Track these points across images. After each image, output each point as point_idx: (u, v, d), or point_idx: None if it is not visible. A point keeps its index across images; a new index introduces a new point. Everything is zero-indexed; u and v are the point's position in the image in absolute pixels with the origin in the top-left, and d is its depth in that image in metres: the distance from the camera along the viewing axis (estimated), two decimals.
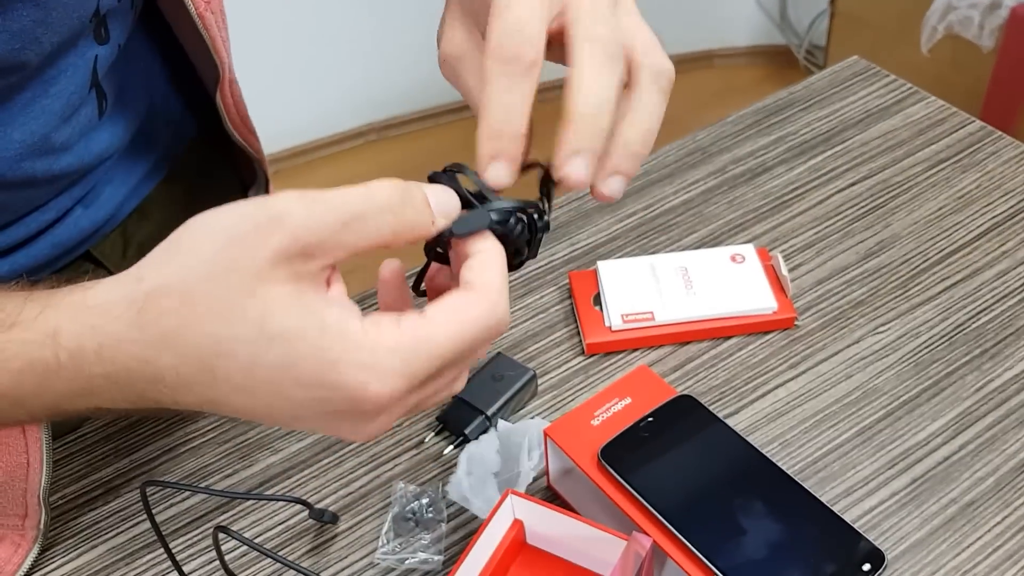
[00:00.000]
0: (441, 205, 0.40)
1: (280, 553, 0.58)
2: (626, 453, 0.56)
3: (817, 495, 0.55)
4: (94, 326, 0.36)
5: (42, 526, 0.58)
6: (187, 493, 0.61)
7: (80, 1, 0.52)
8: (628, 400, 0.60)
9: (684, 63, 2.30)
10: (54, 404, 0.39)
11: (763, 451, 0.60)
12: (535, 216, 0.44)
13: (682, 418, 0.58)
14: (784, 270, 0.71)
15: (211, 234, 0.36)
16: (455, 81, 0.46)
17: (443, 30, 0.47)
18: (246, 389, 0.36)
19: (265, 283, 0.35)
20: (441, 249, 0.44)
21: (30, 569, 0.58)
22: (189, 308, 0.35)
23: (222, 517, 0.61)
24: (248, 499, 0.61)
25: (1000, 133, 0.85)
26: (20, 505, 0.57)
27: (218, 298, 0.35)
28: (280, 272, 0.35)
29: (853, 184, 0.81)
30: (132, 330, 0.36)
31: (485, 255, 0.40)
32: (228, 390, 0.36)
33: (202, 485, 0.63)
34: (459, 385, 0.42)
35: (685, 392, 0.65)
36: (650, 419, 0.58)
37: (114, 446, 0.65)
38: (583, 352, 0.70)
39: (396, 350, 0.36)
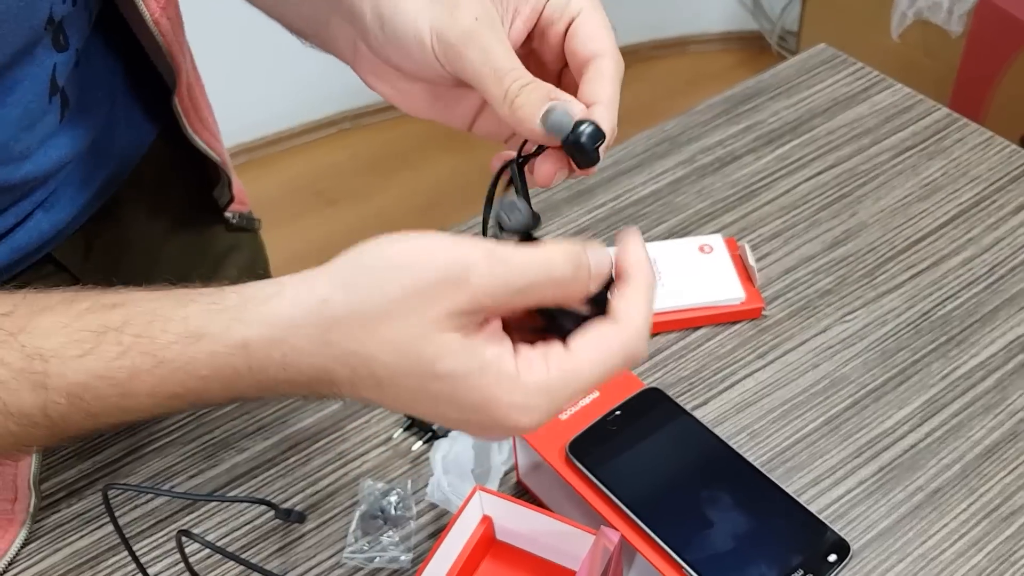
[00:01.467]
0: (599, 268, 0.41)
1: (247, 553, 0.58)
2: (594, 447, 0.56)
3: (784, 486, 0.55)
4: (283, 340, 0.39)
5: (31, 509, 0.59)
6: (151, 495, 0.61)
7: (30, 10, 0.51)
8: (596, 394, 0.60)
9: (658, 49, 2.30)
10: (230, 400, 0.43)
11: (731, 442, 0.60)
12: None
13: (649, 411, 0.58)
14: (751, 260, 0.71)
15: (399, 275, 0.38)
16: (459, 64, 0.45)
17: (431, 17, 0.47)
18: (409, 405, 0.40)
19: (440, 331, 0.38)
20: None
21: (17, 553, 0.59)
22: (371, 338, 0.38)
23: (188, 518, 0.60)
24: (211, 501, 0.60)
25: (966, 120, 0.85)
26: (10, 489, 0.57)
27: (397, 336, 0.38)
28: (454, 322, 0.38)
29: (820, 173, 0.81)
30: (318, 347, 0.39)
31: (637, 287, 0.41)
32: (392, 400, 0.40)
33: (166, 486, 0.62)
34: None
35: (653, 385, 0.65)
36: (617, 412, 0.58)
37: (76, 448, 0.64)
38: None
39: (546, 390, 0.39)
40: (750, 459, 0.61)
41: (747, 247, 0.72)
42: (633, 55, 2.25)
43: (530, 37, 0.47)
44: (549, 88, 0.43)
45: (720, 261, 0.72)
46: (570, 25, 0.46)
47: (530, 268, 0.38)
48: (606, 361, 0.39)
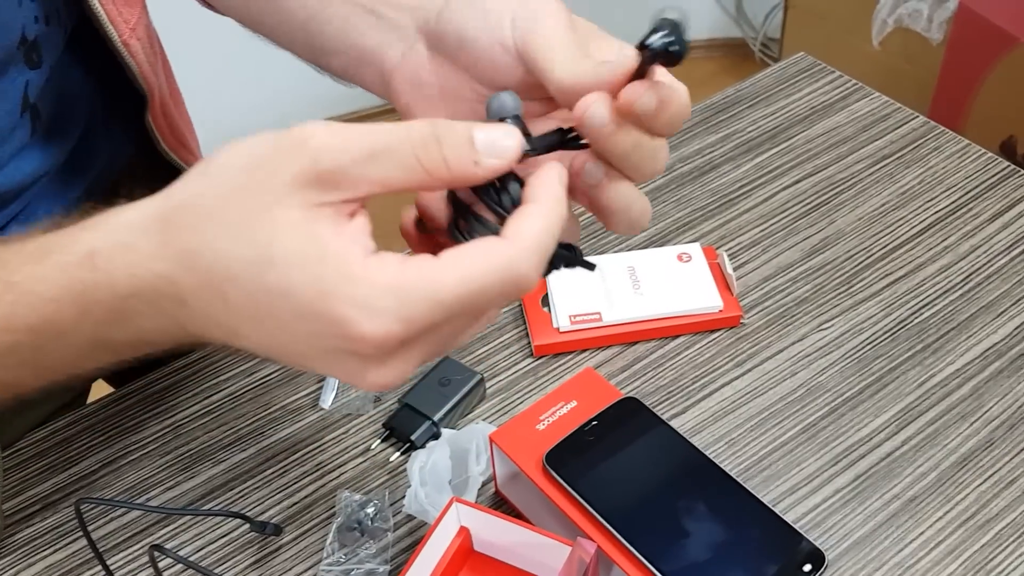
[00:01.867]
0: (492, 144, 0.36)
1: (222, 567, 0.58)
2: (571, 458, 0.56)
3: (761, 494, 0.55)
4: (126, 243, 0.36)
5: None
6: (125, 508, 0.60)
7: (2, 32, 0.51)
8: (574, 403, 0.60)
9: None
10: (92, 335, 0.38)
11: (709, 451, 0.60)
12: None
13: (627, 421, 0.58)
14: (729, 268, 0.71)
15: (237, 155, 0.35)
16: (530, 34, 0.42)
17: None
18: (253, 318, 0.35)
19: (279, 206, 0.34)
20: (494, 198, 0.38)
21: None
22: (206, 224, 0.35)
23: (162, 532, 0.60)
24: (185, 515, 0.60)
25: (943, 128, 0.85)
26: None
27: (233, 217, 0.34)
28: (297, 197, 0.34)
29: (798, 181, 0.81)
30: (158, 247, 0.36)
31: (537, 208, 0.36)
32: (240, 319, 0.36)
33: (142, 499, 0.62)
34: (464, 339, 0.39)
35: (632, 393, 0.65)
36: (595, 423, 0.58)
37: (50, 461, 0.64)
38: (532, 354, 0.69)
39: (393, 289, 0.33)
40: (727, 468, 0.61)
41: (725, 256, 0.72)
42: None
43: None
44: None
45: (698, 270, 0.72)
46: None
47: (379, 129, 0.34)
48: (478, 277, 0.34)
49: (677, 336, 0.70)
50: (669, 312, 0.70)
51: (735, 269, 0.74)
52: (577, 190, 0.42)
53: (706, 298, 0.70)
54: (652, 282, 0.71)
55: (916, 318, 0.70)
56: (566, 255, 0.40)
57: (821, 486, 0.61)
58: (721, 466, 0.56)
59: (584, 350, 0.69)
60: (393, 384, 0.36)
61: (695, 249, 0.74)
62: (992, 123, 1.56)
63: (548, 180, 0.37)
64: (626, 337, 0.70)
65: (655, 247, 0.76)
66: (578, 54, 0.41)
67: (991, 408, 0.64)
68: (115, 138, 0.68)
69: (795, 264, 0.75)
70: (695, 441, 0.63)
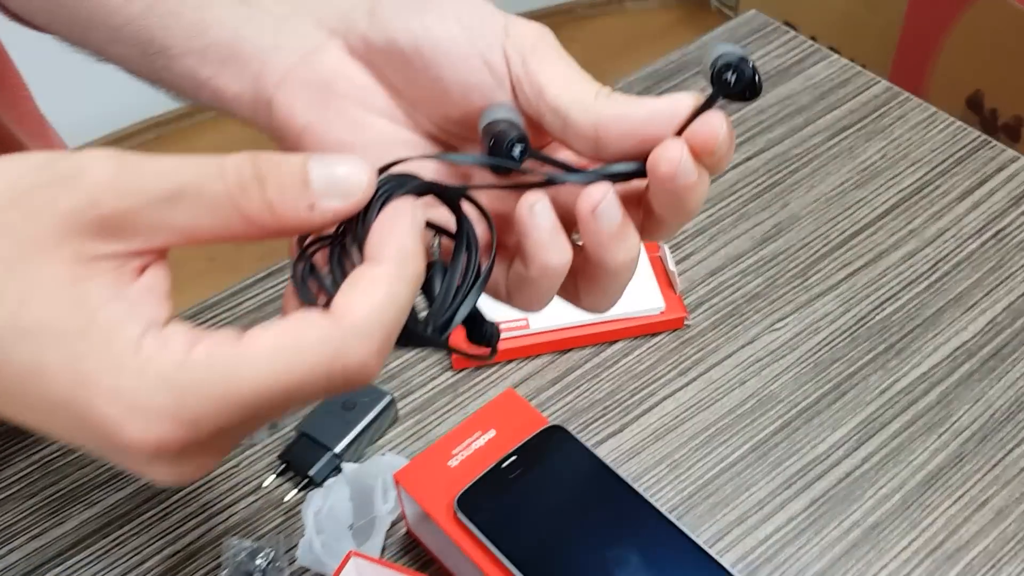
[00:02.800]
0: (333, 181, 0.28)
1: None
2: (485, 500, 0.49)
3: (707, 525, 0.49)
4: None
5: None
6: None
7: None
8: (492, 433, 0.52)
9: (593, 8, 2.21)
10: None
11: (649, 475, 0.54)
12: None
13: (550, 454, 0.51)
14: (672, 264, 0.64)
15: None
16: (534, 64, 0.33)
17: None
18: (6, 393, 0.27)
19: (41, 257, 0.26)
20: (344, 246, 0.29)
21: None
22: None
23: None
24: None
25: (908, 95, 0.78)
26: None
27: None
28: (65, 248, 0.26)
29: (749, 159, 0.74)
30: None
31: (374, 271, 0.28)
32: None
33: (4, 549, 0.54)
34: (283, 420, 0.31)
35: (564, 411, 0.58)
36: (513, 458, 0.50)
37: None
38: (451, 367, 0.62)
39: (171, 383, 0.25)
40: (669, 495, 0.55)
41: (667, 249, 0.64)
42: (567, 14, 2.16)
43: None
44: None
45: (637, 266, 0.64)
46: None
47: (183, 165, 0.27)
48: (287, 370, 0.26)
49: (614, 342, 0.63)
50: (604, 316, 0.62)
51: (679, 263, 0.66)
52: (542, 244, 0.32)
53: (646, 298, 0.63)
54: None
55: (878, 314, 0.63)
56: (429, 333, 0.30)
57: (773, 513, 0.54)
58: (655, 504, 0.49)
59: (510, 361, 0.62)
60: (192, 479, 0.28)
61: None
62: (959, 75, 1.49)
63: (393, 228, 0.28)
64: (557, 345, 0.62)
65: None
66: (603, 90, 0.32)
67: (961, 417, 0.58)
68: None
69: (745, 255, 0.67)
70: (634, 463, 0.56)
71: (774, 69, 0.80)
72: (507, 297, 0.35)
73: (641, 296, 0.63)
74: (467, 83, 0.33)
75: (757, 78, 0.30)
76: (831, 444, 0.57)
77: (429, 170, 0.34)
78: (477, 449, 0.52)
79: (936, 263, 0.66)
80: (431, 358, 0.62)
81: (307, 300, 0.29)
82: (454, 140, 0.36)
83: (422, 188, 0.30)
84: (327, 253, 0.30)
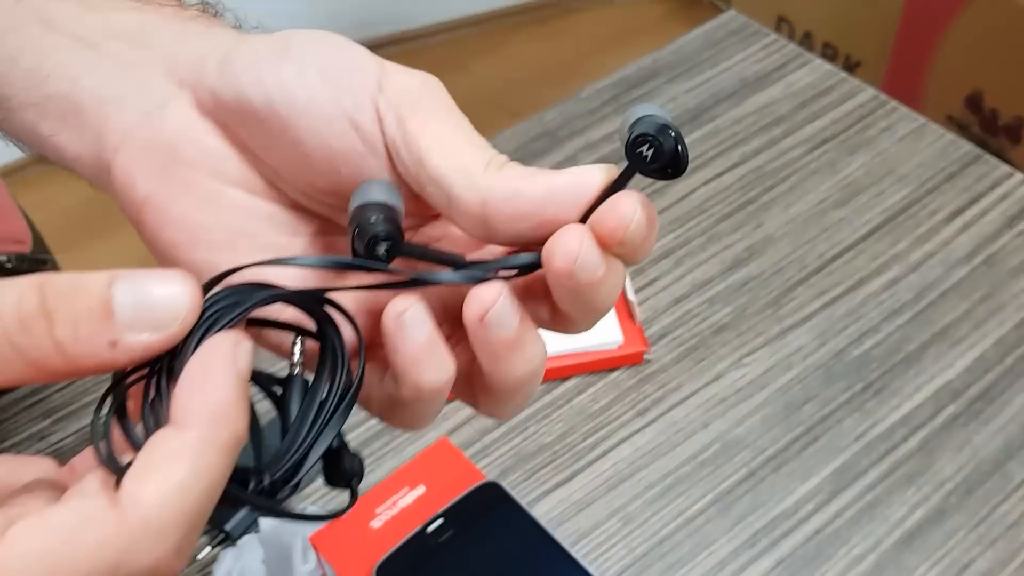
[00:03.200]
0: (144, 310, 0.23)
1: None
2: (409, 571, 0.44)
3: None
4: None
5: None
6: None
7: None
8: (421, 489, 0.47)
9: (583, 0, 2.15)
10: None
11: (600, 529, 0.50)
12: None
13: (482, 516, 0.46)
14: (631, 294, 0.58)
15: None
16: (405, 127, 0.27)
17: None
18: None
19: None
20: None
21: None
22: None
23: None
24: None
25: (895, 103, 0.72)
26: None
27: None
28: None
29: (721, 174, 0.68)
30: None
31: (171, 447, 0.22)
32: None
33: None
34: None
35: (508, 456, 0.54)
36: (440, 520, 0.45)
37: None
38: None
39: None
40: (620, 554, 0.50)
41: (627, 276, 0.59)
42: (555, 6, 2.10)
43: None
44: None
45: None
46: None
47: None
48: (59, 571, 0.21)
49: (567, 378, 0.58)
50: (557, 350, 0.57)
51: (640, 290, 0.61)
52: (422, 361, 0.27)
53: (603, 331, 0.58)
54: None
55: (856, 348, 0.58)
56: (262, 492, 0.24)
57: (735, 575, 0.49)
58: (598, 572, 0.44)
59: (453, 399, 0.57)
60: None
61: None
62: (958, 74, 1.43)
63: (204, 381, 0.22)
64: None
65: None
66: (496, 159, 0.26)
67: (943, 467, 0.53)
68: None
69: (713, 280, 0.62)
70: (582, 517, 0.52)
71: (753, 75, 0.75)
72: (379, 415, 0.30)
73: (597, 328, 0.58)
74: (332, 149, 0.27)
75: (680, 151, 0.24)
76: (800, 497, 0.52)
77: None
78: (403, 508, 0.46)
79: (921, 291, 0.61)
80: None
81: (110, 465, 0.23)
82: (327, 211, 0.30)
83: (267, 299, 0.25)
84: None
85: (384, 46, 2.01)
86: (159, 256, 0.29)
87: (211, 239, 0.28)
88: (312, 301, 0.26)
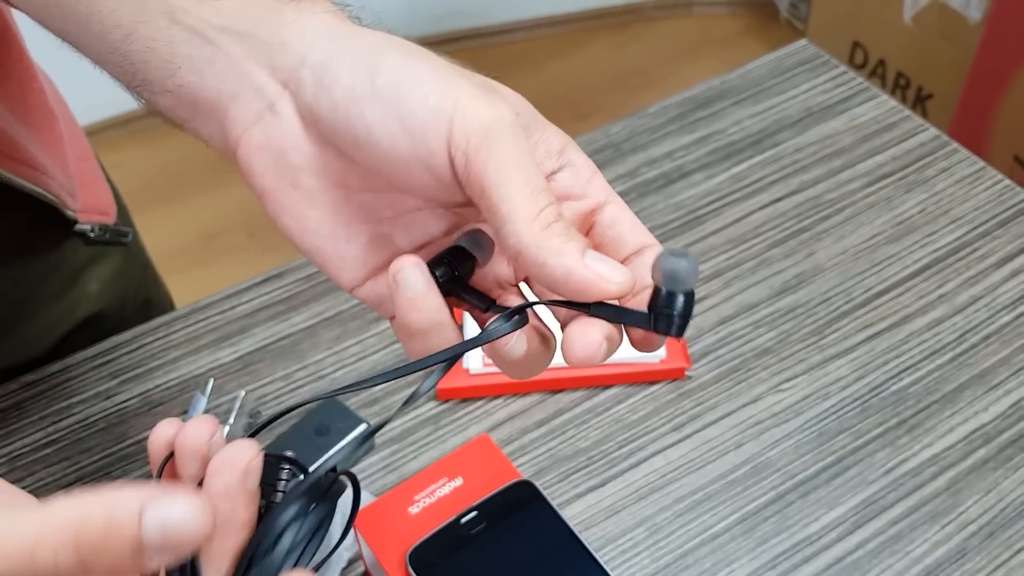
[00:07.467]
0: (167, 534, 0.24)
1: None
2: (438, 557, 0.46)
3: None
4: None
5: None
6: None
7: None
8: (459, 481, 0.50)
9: (661, 9, 2.15)
10: None
11: (626, 536, 0.51)
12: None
13: (513, 512, 0.48)
14: None
15: None
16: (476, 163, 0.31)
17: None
18: None
19: None
20: None
21: None
22: None
23: None
24: None
25: (956, 145, 0.73)
26: None
27: None
28: None
29: (779, 200, 0.69)
30: None
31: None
32: None
33: None
34: None
35: (546, 457, 0.56)
36: (474, 513, 0.48)
37: None
38: (435, 397, 0.59)
39: None
40: (644, 562, 0.51)
41: None
42: (634, 13, 2.11)
43: None
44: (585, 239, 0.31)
45: None
46: (595, 211, 0.34)
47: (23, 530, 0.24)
48: None
49: (608, 387, 0.60)
50: None
51: None
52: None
53: None
54: None
55: (894, 384, 0.59)
56: None
57: None
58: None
59: (497, 396, 0.59)
60: None
61: None
62: None
63: None
64: (548, 385, 0.59)
65: None
66: (545, 213, 0.30)
67: (969, 508, 0.54)
68: None
69: (760, 304, 0.63)
70: (611, 523, 0.54)
71: (818, 105, 0.76)
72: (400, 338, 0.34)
73: None
74: (409, 183, 0.31)
75: (676, 325, 0.30)
76: (825, 524, 0.53)
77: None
78: (440, 498, 0.49)
79: (964, 333, 0.61)
80: (416, 382, 0.60)
81: None
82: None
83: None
84: None
85: (461, 40, 2.04)
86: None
87: (317, 229, 0.33)
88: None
